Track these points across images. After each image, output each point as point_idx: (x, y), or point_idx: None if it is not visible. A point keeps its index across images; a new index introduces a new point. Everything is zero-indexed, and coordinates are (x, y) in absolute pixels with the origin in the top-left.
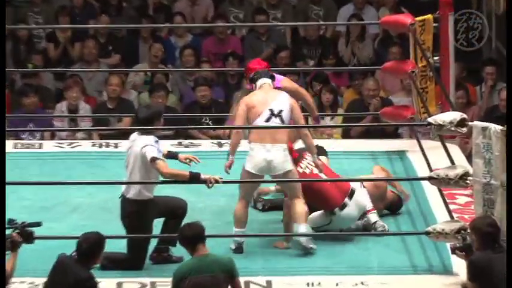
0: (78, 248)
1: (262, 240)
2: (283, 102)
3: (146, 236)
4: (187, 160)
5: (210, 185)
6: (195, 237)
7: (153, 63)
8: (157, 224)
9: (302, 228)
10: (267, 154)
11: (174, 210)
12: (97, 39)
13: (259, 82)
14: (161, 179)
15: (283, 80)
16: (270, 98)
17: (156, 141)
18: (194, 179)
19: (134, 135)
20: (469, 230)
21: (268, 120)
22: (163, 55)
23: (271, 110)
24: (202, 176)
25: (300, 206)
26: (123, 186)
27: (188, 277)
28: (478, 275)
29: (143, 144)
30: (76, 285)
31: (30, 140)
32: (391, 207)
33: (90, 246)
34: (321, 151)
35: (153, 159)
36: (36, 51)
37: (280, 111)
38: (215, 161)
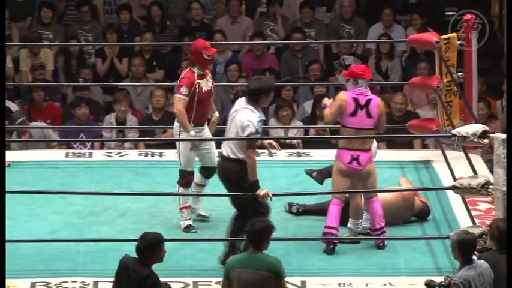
0: (137, 247)
1: (297, 244)
2: None
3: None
4: (271, 146)
5: (264, 199)
6: (259, 233)
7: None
8: None
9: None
10: None
11: None
12: (142, 56)
13: None
14: None
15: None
16: None
17: (260, 121)
18: (254, 186)
19: (241, 102)
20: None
21: None
22: None
23: None
24: (259, 190)
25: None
26: (221, 148)
27: (235, 269)
28: None
29: (248, 120)
30: (138, 282)
31: (81, 149)
32: (420, 214)
33: (146, 245)
34: None
35: (250, 146)
36: (85, 66)
37: None
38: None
